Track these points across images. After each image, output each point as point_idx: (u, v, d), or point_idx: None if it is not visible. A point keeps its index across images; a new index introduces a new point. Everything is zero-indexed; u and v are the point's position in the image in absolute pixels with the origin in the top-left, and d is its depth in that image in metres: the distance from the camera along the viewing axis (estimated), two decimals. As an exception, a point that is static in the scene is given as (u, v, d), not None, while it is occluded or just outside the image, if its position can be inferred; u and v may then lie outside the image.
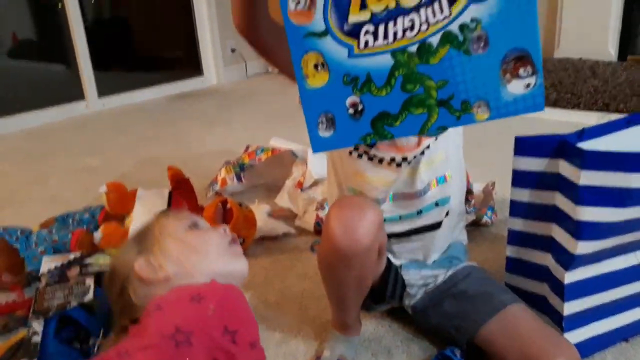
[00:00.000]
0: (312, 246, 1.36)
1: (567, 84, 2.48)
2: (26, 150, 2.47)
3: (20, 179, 2.09)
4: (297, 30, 0.65)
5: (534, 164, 0.97)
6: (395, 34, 0.65)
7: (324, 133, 0.69)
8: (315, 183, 1.57)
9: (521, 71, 0.65)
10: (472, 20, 0.64)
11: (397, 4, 0.64)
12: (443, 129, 0.70)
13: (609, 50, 2.61)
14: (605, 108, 2.33)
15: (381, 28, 0.65)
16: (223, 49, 3.62)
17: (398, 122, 0.69)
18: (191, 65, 3.65)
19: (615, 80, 2.40)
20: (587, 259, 0.92)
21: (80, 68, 3.07)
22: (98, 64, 3.14)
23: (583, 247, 0.90)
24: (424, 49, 0.66)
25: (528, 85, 0.66)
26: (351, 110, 0.68)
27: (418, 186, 0.94)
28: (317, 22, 0.65)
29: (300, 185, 1.58)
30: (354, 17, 0.65)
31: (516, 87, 0.66)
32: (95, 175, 2.02)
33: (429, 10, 0.64)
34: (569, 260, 0.92)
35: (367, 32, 0.66)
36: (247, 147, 1.87)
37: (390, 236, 0.95)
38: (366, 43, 0.66)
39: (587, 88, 2.42)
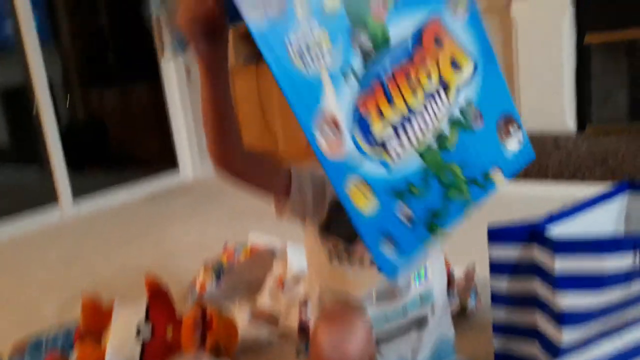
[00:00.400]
0: (297, 350, 1.31)
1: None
2: (-3, 265, 2.41)
3: (-9, 297, 2.02)
4: (333, 164, 0.65)
5: (509, 252, 0.98)
6: (416, 135, 0.69)
7: (390, 254, 0.69)
8: (297, 280, 1.55)
9: (511, 130, 0.75)
10: (466, 101, 0.71)
11: (409, 108, 0.69)
12: (479, 205, 0.73)
13: (568, 121, 2.73)
14: (572, 178, 2.41)
15: (403, 134, 0.69)
16: (199, 143, 3.68)
17: (445, 214, 0.72)
18: (167, 161, 3.69)
19: (577, 152, 2.49)
20: (574, 346, 0.91)
21: (55, 172, 3.06)
22: (72, 166, 3.13)
23: (568, 335, 0.89)
24: (441, 139, 0.71)
25: (519, 141, 0.75)
26: (405, 221, 0.70)
27: (400, 281, 0.94)
28: (349, 146, 0.66)
29: (281, 282, 1.56)
30: (377, 129, 0.67)
31: (512, 144, 0.75)
32: (71, 287, 1.96)
33: (434, 104, 0.70)
34: (556, 349, 0.91)
35: (393, 142, 0.68)
36: (226, 244, 1.86)
37: (378, 339, 0.94)
38: (397, 153, 0.69)
39: (552, 160, 2.50)
